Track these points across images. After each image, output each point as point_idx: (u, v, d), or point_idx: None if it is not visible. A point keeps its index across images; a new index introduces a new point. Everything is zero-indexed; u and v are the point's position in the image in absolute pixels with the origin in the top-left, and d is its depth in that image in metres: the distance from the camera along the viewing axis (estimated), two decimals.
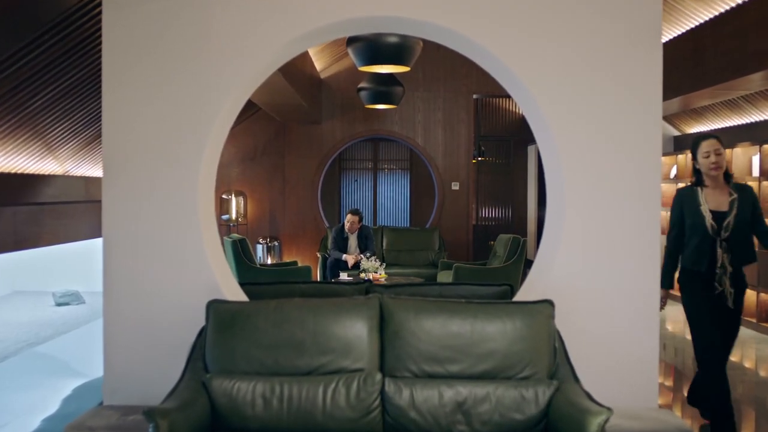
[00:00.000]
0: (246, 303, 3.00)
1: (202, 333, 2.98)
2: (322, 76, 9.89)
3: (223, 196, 9.77)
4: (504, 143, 13.22)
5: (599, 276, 3.33)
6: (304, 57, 8.01)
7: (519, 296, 3.50)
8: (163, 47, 3.21)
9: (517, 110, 13.03)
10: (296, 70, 7.26)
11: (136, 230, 3.23)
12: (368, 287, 3.54)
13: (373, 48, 5.36)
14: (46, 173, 6.00)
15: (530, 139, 13.08)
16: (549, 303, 2.93)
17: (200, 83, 3.22)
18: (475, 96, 10.24)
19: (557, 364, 2.90)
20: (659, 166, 3.32)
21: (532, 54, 3.28)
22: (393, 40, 5.35)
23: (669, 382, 5.22)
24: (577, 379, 2.83)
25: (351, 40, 5.52)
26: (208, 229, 3.32)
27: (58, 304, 8.39)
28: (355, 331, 2.84)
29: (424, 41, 6.21)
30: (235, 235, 7.97)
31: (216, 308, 2.92)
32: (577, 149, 3.31)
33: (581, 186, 3.31)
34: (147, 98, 3.22)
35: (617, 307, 3.33)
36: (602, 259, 3.33)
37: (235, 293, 3.37)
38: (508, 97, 12.11)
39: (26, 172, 5.64)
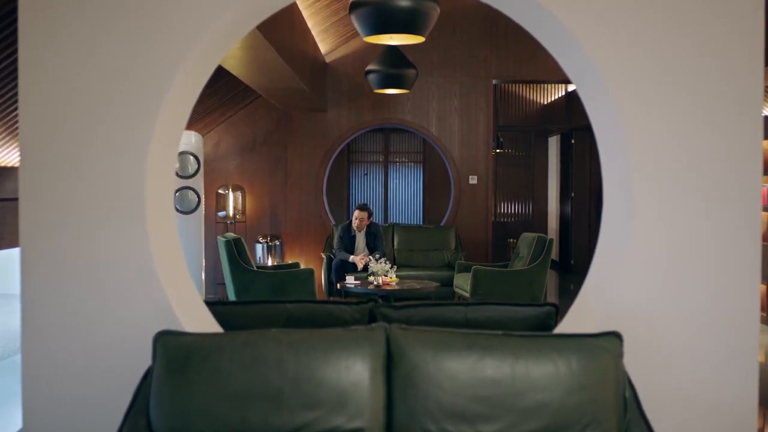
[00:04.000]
0: (205, 336, 2.25)
1: (147, 376, 2.26)
2: (327, 59, 9.15)
3: (220, 191, 9.07)
4: (524, 134, 12.48)
5: (679, 298, 2.53)
6: (306, 37, 7.27)
7: (568, 322, 2.71)
8: None
9: (537, 99, 12.28)
10: (296, 50, 6.53)
11: (62, 237, 2.46)
12: (372, 309, 2.76)
13: (381, 13, 4.56)
14: (9, 165, 5.32)
15: (551, 130, 12.42)
16: (616, 336, 2.19)
17: (146, 41, 2.44)
18: (494, 82, 9.45)
19: (628, 421, 2.17)
20: (760, 156, 2.52)
21: (595, 14, 2.50)
22: (404, 3, 4.56)
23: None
24: None
25: (355, 5, 4.74)
26: (160, 234, 2.54)
27: None
28: (353, 375, 2.11)
29: (440, 19, 5.44)
30: (230, 234, 7.30)
31: (166, 343, 2.19)
32: (650, 132, 2.53)
33: (656, 179, 2.52)
34: (77, 60, 2.44)
35: (704, 340, 2.53)
36: (683, 275, 2.53)
37: (199, 318, 2.61)
38: (530, 83, 11.36)
39: None
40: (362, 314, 2.76)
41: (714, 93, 2.52)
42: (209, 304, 2.75)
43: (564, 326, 2.69)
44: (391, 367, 2.16)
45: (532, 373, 2.10)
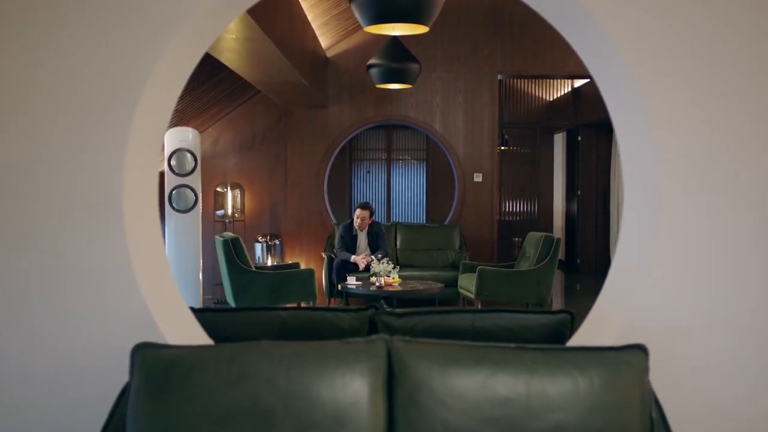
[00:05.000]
0: (188, 349, 2.05)
1: (124, 393, 2.07)
2: (328, 54, 8.96)
3: (218, 189, 8.89)
4: (529, 131, 12.28)
5: (710, 307, 2.32)
6: (305, 30, 7.08)
7: (585, 333, 2.51)
8: None
9: (543, 95, 12.07)
10: (295, 44, 6.34)
11: (31, 239, 2.26)
12: (372, 316, 2.56)
13: (383, 0, 4.37)
14: None
15: (557, 127, 12.24)
16: (641, 350, 1.99)
17: (122, 26, 2.24)
18: (499, 77, 9.24)
19: None
20: None
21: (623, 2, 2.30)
22: None
23: None
24: None
25: None
26: (141, 236, 2.34)
27: None
28: (351, 393, 1.93)
29: (444, 12, 5.22)
30: (228, 234, 7.12)
31: (144, 356, 2.01)
32: (680, 127, 2.32)
33: (685, 178, 2.32)
34: (45, 50, 2.24)
35: (739, 353, 2.32)
36: (715, 281, 2.32)
37: (183, 328, 2.41)
38: (535, 78, 11.15)
39: None
40: (361, 322, 2.56)
41: (750, 84, 2.31)
42: (196, 311, 2.55)
43: (580, 337, 2.48)
44: (392, 384, 1.98)
45: (549, 391, 1.91)
